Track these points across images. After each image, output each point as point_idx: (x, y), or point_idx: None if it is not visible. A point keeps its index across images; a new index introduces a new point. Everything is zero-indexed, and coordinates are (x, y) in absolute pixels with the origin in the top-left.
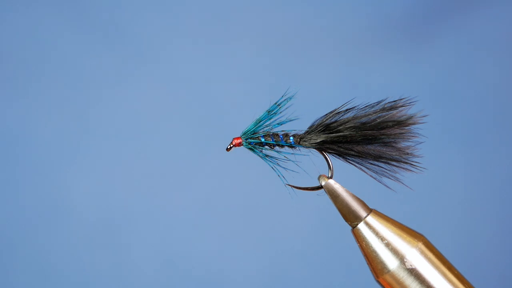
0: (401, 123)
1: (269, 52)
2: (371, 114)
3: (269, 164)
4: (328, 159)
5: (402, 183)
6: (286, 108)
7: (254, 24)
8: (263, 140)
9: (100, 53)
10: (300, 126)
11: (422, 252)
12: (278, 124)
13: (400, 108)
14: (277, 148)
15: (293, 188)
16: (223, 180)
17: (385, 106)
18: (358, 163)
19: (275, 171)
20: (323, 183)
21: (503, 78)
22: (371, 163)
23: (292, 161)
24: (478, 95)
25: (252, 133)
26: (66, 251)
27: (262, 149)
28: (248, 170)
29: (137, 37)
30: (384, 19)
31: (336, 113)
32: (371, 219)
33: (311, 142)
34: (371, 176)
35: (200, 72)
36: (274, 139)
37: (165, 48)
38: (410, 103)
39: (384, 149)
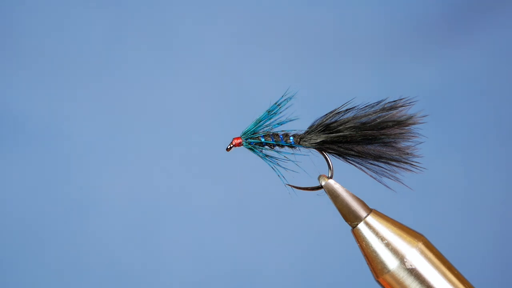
0: (401, 123)
1: (284, 52)
2: (371, 114)
3: (269, 164)
4: (328, 159)
5: (402, 183)
6: (286, 108)
7: (270, 24)
8: (263, 140)
9: (132, 50)
10: (300, 126)
11: (422, 252)
12: (278, 124)
13: (400, 108)
14: (277, 148)
15: (293, 188)
16: (224, 181)
17: (385, 106)
18: (358, 163)
19: (275, 171)
20: (323, 183)
21: None
22: (371, 163)
23: (292, 161)
24: (484, 101)
25: (252, 133)
26: (96, 249)
27: (262, 149)
28: (248, 169)
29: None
30: (403, 22)
31: (336, 113)
32: (371, 219)
33: (311, 142)
34: (371, 176)
35: (230, 69)
36: (274, 139)
37: (185, 43)
38: (410, 103)
39: (384, 149)
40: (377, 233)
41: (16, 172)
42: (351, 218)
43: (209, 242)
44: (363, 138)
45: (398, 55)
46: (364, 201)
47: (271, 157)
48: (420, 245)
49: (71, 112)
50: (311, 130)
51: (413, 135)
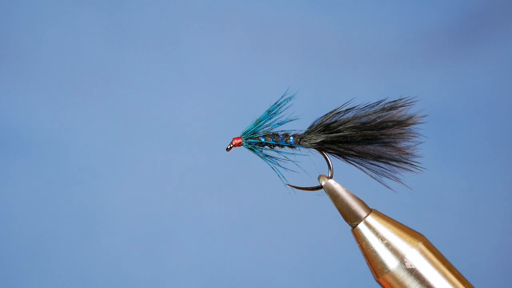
0: (401, 123)
1: (284, 52)
2: (371, 114)
3: (269, 164)
4: (328, 159)
5: (402, 183)
6: (286, 108)
7: (271, 25)
8: (263, 140)
9: (140, 58)
10: (300, 126)
11: (422, 252)
12: (278, 124)
13: (400, 108)
14: (277, 148)
15: (293, 188)
16: (225, 184)
17: (385, 106)
18: (358, 163)
19: (275, 171)
20: (323, 183)
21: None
22: (371, 163)
23: (292, 161)
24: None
25: (252, 133)
26: (102, 260)
27: (262, 149)
28: (247, 171)
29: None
30: (407, 34)
31: (336, 113)
32: (371, 219)
33: (311, 142)
34: (371, 176)
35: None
36: (274, 139)
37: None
38: (410, 103)
39: (384, 149)
40: (377, 233)
41: (19, 183)
42: (351, 218)
43: (210, 245)
44: (363, 138)
45: (401, 67)
46: (364, 201)
47: (271, 157)
48: (420, 245)
49: (75, 120)
50: (311, 130)
51: (413, 135)
